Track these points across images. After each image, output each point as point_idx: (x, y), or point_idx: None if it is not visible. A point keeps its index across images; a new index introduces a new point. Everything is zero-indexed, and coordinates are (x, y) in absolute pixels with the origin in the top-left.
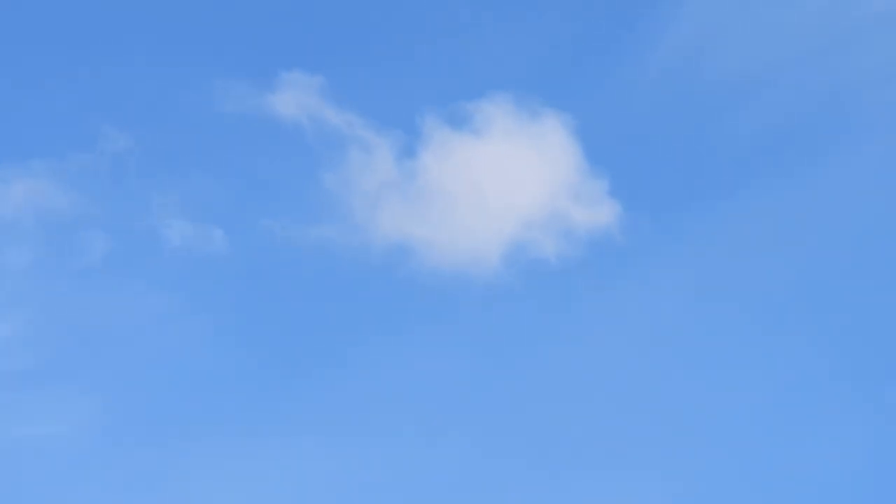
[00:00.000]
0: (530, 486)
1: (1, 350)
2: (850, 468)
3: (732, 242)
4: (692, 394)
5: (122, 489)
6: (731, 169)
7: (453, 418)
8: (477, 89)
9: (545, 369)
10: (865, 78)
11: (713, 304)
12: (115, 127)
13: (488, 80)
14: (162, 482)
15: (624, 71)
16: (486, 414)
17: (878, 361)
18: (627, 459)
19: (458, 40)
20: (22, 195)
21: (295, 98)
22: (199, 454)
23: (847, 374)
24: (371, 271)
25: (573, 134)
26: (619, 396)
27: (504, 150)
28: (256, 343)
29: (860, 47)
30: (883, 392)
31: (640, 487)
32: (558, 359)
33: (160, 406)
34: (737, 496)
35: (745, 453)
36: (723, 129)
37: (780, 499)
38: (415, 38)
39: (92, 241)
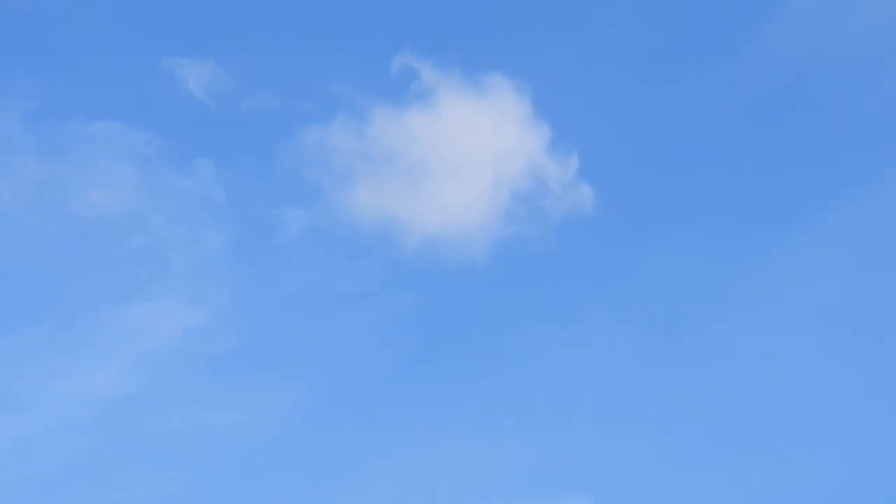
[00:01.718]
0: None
1: (200, 333)
2: None
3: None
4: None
5: (318, 479)
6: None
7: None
8: (397, 56)
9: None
10: None
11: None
12: None
13: (409, 46)
14: (355, 472)
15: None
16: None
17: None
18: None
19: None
20: (213, 174)
21: (201, 85)
22: (397, 441)
23: None
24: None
25: (521, 96)
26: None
27: (453, 119)
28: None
29: None
30: None
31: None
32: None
33: (360, 391)
34: None
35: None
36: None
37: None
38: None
39: (287, 217)
